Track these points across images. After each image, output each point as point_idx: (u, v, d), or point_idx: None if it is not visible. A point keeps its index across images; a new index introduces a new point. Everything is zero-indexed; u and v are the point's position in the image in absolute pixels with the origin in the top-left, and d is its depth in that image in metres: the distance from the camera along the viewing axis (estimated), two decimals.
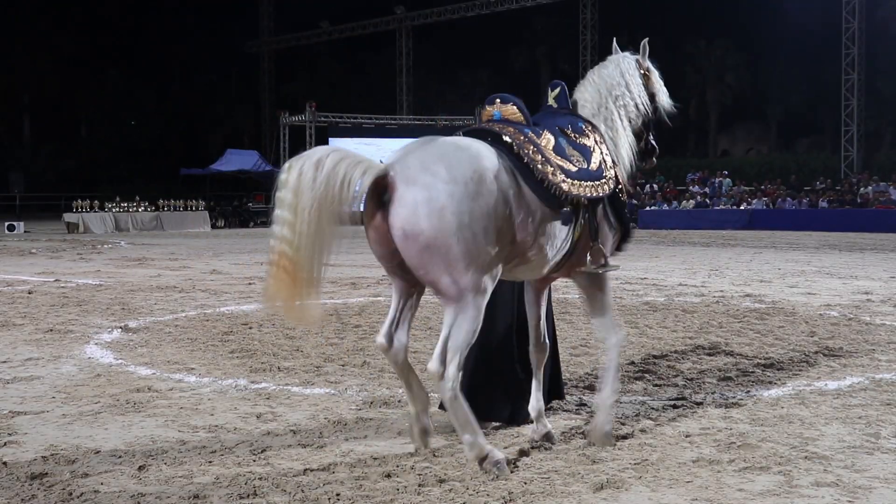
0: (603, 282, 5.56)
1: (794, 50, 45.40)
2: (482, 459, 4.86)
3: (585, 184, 5.26)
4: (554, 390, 6.16)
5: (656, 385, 7.14)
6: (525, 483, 4.75)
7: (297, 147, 44.15)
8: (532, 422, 5.65)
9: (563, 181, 5.13)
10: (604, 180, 5.39)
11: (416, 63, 53.54)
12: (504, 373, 5.90)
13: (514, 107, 5.40)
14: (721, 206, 37.34)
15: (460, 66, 55.45)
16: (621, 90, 5.86)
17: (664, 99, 6.10)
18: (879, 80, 42.21)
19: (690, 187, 39.72)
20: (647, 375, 7.44)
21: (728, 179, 39.57)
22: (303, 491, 4.64)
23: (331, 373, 7.65)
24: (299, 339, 9.28)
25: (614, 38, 6.25)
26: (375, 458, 5.20)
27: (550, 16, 51.92)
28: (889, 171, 36.86)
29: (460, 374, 4.78)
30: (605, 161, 5.49)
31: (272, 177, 34.25)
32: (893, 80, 43.61)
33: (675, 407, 6.40)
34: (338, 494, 4.59)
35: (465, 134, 5.27)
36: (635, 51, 6.07)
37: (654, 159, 6.19)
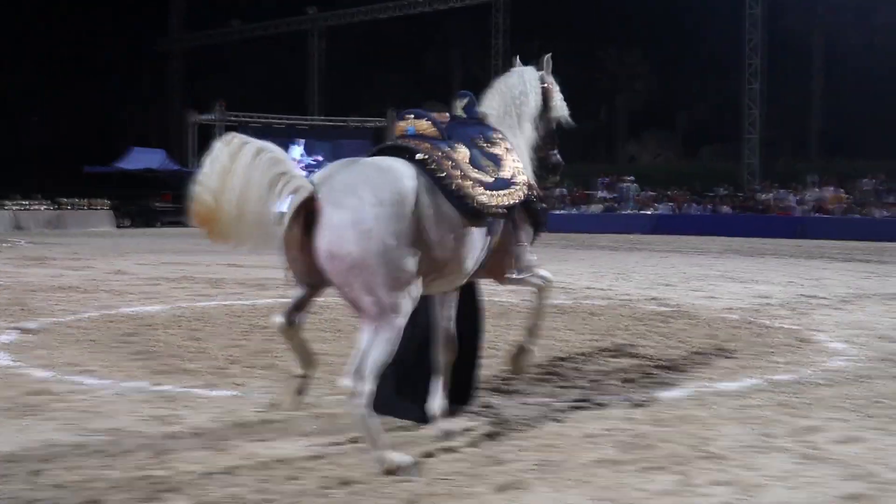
0: (535, 280, 5.80)
1: (700, 59, 46.42)
2: (393, 471, 4.88)
3: (502, 193, 5.40)
4: (462, 395, 6.20)
5: (561, 387, 7.22)
6: (429, 485, 4.76)
7: (207, 146, 43.54)
8: (435, 421, 5.71)
9: (482, 194, 5.25)
10: (517, 187, 5.54)
11: (328, 64, 53.26)
12: (416, 373, 5.95)
13: (428, 122, 5.50)
14: (628, 211, 37.96)
15: (373, 68, 55.31)
16: (524, 98, 6.01)
17: (564, 113, 6.25)
18: (780, 90, 43.38)
19: (599, 192, 40.29)
20: (552, 377, 7.52)
21: (635, 185, 40.25)
22: (204, 494, 4.58)
23: (236, 375, 7.56)
24: (204, 340, 9.15)
25: (517, 56, 6.39)
26: (279, 461, 5.16)
27: (463, 20, 52.16)
28: (788, 178, 37.92)
29: (373, 392, 4.79)
30: (517, 167, 5.62)
31: (179, 176, 33.53)
32: (793, 91, 44.89)
33: (578, 408, 6.48)
34: (240, 497, 4.54)
35: (382, 151, 5.37)
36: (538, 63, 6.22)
37: (557, 175, 6.38)
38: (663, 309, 11.97)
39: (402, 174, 4.98)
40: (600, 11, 47.04)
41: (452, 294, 5.74)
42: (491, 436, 5.71)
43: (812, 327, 10.36)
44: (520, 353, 5.97)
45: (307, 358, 5.18)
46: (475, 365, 6.34)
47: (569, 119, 6.28)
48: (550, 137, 6.19)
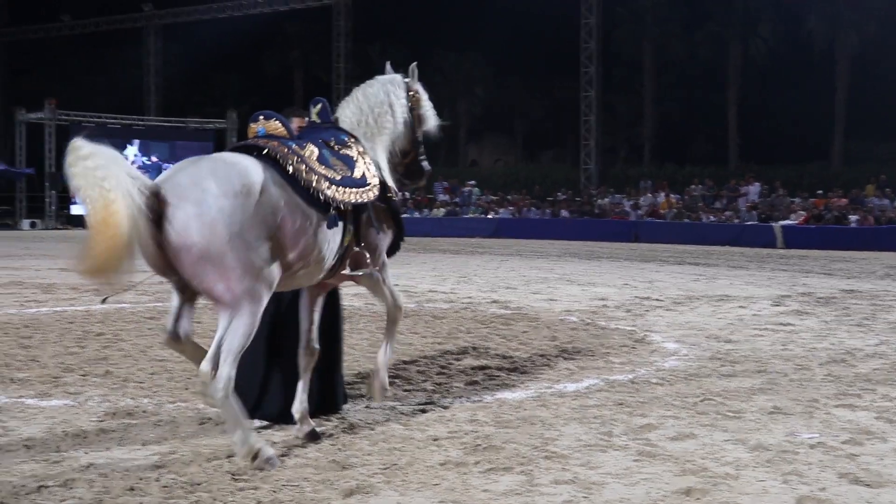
0: (385, 285, 5.95)
1: (538, 66, 47.43)
2: (254, 456, 4.99)
3: (350, 190, 5.56)
4: (329, 402, 6.34)
5: (406, 390, 7.25)
6: (274, 491, 4.70)
7: (37, 146, 41.90)
8: (296, 422, 5.77)
9: (328, 188, 5.40)
10: (368, 187, 5.69)
11: (164, 63, 51.91)
12: (276, 371, 6.07)
13: (278, 122, 5.66)
14: (469, 215, 38.43)
15: (211, 68, 54.18)
16: (384, 108, 6.14)
17: (431, 120, 6.42)
18: (615, 98, 44.79)
19: (440, 196, 40.64)
20: (396, 381, 7.53)
21: (476, 189, 40.79)
22: None
23: (70, 383, 7.28)
24: (35, 348, 8.78)
25: (388, 62, 6.54)
26: (118, 471, 5.00)
27: (304, 21, 51.73)
28: (623, 183, 39.16)
29: (233, 376, 4.88)
30: (368, 170, 5.77)
31: (7, 176, 31.90)
32: (627, 99, 46.42)
33: (423, 412, 6.52)
34: None
35: (232, 150, 5.49)
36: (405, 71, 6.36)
37: (423, 180, 6.56)
38: (505, 311, 12.17)
39: (247, 168, 5.08)
40: (441, 17, 47.49)
41: (318, 300, 5.90)
42: (336, 440, 5.68)
43: (647, 328, 10.72)
44: (372, 382, 6.13)
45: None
46: (340, 371, 6.49)
47: (435, 128, 6.46)
48: (415, 144, 6.32)
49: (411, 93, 6.30)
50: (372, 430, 5.97)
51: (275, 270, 5.07)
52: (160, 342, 5.26)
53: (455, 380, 7.70)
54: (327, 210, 5.40)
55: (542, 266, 20.72)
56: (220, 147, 42.49)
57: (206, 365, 4.89)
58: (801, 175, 37.88)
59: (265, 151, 5.31)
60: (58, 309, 11.75)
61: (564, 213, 37.07)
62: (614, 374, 7.98)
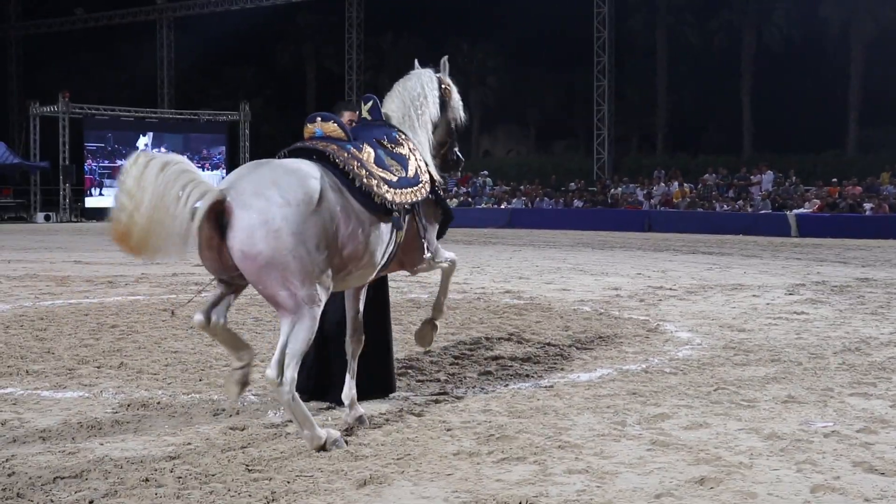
0: (445, 263, 6.27)
1: (551, 56, 47.29)
2: (323, 447, 5.25)
3: (406, 191, 5.77)
4: (386, 383, 6.68)
5: (419, 381, 7.26)
6: (288, 482, 4.72)
7: (50, 139, 42.03)
8: (346, 407, 5.99)
9: (388, 191, 5.59)
10: (421, 185, 5.92)
11: (177, 56, 51.97)
12: (338, 360, 6.25)
13: (335, 124, 5.80)
14: (482, 206, 38.40)
15: (224, 60, 54.22)
16: (422, 101, 6.36)
17: (459, 113, 6.67)
18: (628, 87, 44.64)
19: (453, 186, 40.62)
20: (410, 371, 7.55)
21: (489, 179, 40.75)
22: (52, 500, 4.42)
23: (85, 375, 7.32)
24: (50, 340, 8.83)
25: (416, 59, 6.69)
26: (132, 462, 5.03)
27: (316, 13, 51.68)
28: (636, 173, 39.05)
29: (295, 377, 5.08)
30: (420, 167, 5.99)
31: (21, 169, 31.98)
32: (640, 89, 46.25)
33: (437, 402, 6.53)
34: (91, 502, 4.40)
35: (290, 153, 5.64)
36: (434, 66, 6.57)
37: (458, 169, 6.92)
38: (518, 302, 12.17)
39: (307, 174, 5.22)
40: (453, 7, 47.37)
41: (363, 289, 6.07)
42: (350, 431, 5.70)
43: (660, 317, 10.71)
44: (425, 327, 6.47)
45: (239, 348, 5.33)
46: (390, 355, 6.79)
47: (464, 119, 6.70)
48: (450, 136, 6.61)
49: (444, 86, 6.53)
50: (385, 420, 5.99)
51: (331, 274, 5.25)
52: (192, 325, 5.37)
53: (468, 370, 7.71)
54: (386, 213, 5.59)
55: (555, 256, 20.70)
56: (232, 138, 42.64)
57: (271, 371, 5.03)
58: (816, 163, 37.69)
59: (326, 155, 5.48)
60: (72, 301, 11.80)
61: (577, 203, 37.01)
62: (627, 363, 7.97)
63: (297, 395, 5.14)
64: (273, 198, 5.00)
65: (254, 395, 6.63)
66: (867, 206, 30.26)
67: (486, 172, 41.40)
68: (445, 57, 6.63)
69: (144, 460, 5.08)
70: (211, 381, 7.15)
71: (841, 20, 40.97)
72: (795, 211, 30.74)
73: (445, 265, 6.30)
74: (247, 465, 4.98)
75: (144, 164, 4.79)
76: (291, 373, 5.05)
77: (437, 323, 6.50)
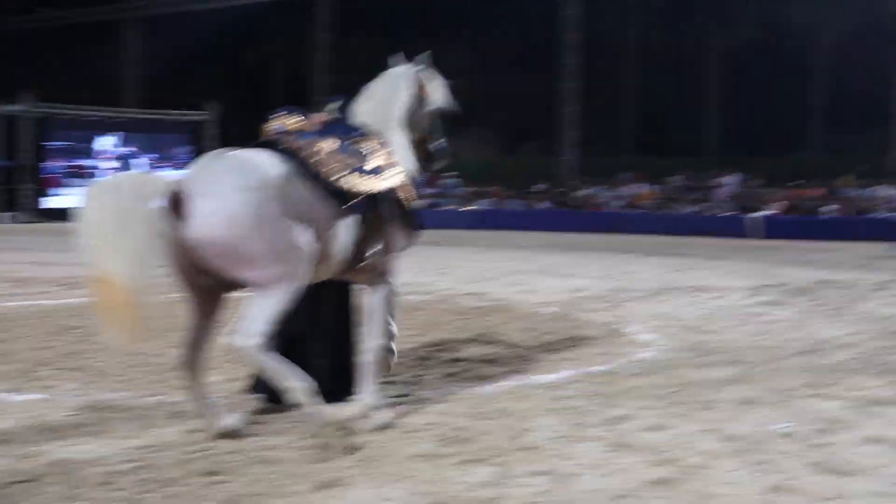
0: (386, 292, 6.19)
1: (519, 57, 47.39)
2: (300, 403, 5.22)
3: (369, 180, 5.75)
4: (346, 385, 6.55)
5: (382, 382, 7.24)
6: (248, 484, 4.71)
7: (13, 138, 41.54)
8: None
9: (349, 175, 5.61)
10: (385, 178, 5.89)
11: (144, 55, 51.56)
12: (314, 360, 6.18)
13: (298, 117, 5.87)
14: (449, 207, 38.41)
15: (191, 60, 53.87)
16: (393, 99, 6.38)
17: (442, 101, 6.67)
18: (595, 89, 44.81)
19: (420, 188, 40.57)
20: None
21: (456, 180, 40.78)
22: None
23: (44, 377, 7.25)
24: (9, 342, 8.73)
25: (390, 58, 6.67)
26: (91, 465, 4.99)
27: (284, 14, 51.48)
28: (603, 174, 39.21)
29: (266, 333, 5.06)
30: (387, 162, 5.97)
31: None
32: (607, 91, 46.43)
33: (399, 403, 6.53)
34: None
35: (251, 146, 5.66)
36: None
37: (444, 161, 6.92)
38: (483, 303, 12.18)
39: (265, 162, 5.31)
40: (423, 8, 47.38)
41: (327, 290, 6.08)
42: (311, 432, 5.68)
43: (624, 319, 10.76)
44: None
45: (202, 401, 5.43)
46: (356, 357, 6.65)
47: (451, 104, 6.72)
48: (432, 129, 6.62)
49: (420, 81, 6.53)
50: (346, 421, 5.97)
51: (306, 250, 5.25)
52: (172, 365, 5.50)
53: (431, 372, 7.72)
54: (346, 200, 5.58)
55: (521, 257, 20.74)
56: (198, 139, 42.35)
57: (238, 339, 5.05)
58: (779, 165, 38.03)
59: (287, 145, 5.55)
60: (31, 302, 11.69)
61: (544, 204, 37.10)
62: (590, 365, 8.01)
63: (268, 356, 5.11)
64: (230, 183, 5.08)
65: (216, 398, 6.59)
66: (829, 208, 30.57)
67: (453, 173, 41.41)
68: (427, 52, 6.66)
69: (103, 463, 5.04)
70: (173, 383, 7.10)
71: (806, 23, 41.36)
72: (759, 213, 31.00)
73: (387, 288, 6.20)
74: (207, 469, 4.96)
75: (97, 201, 4.85)
76: (260, 339, 5.03)
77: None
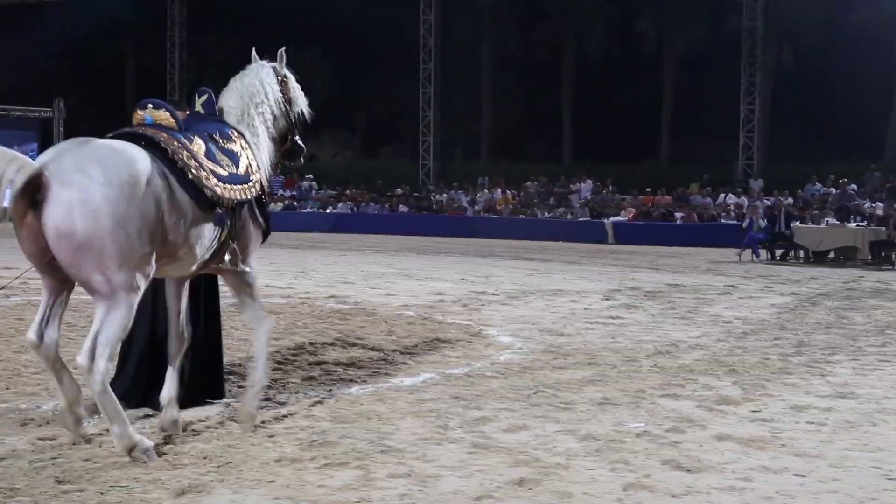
0: (250, 279, 6.01)
1: (378, 61, 47.40)
2: (131, 449, 4.99)
3: (236, 187, 5.66)
4: (216, 388, 6.58)
5: (240, 387, 7.11)
6: (101, 493, 4.56)
7: None
8: (163, 408, 5.80)
9: (216, 185, 5.48)
10: (251, 184, 5.82)
11: None
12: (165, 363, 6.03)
13: (166, 112, 5.66)
14: (308, 210, 38.09)
15: (39, 55, 51.91)
16: (261, 98, 6.28)
17: (302, 103, 6.61)
18: (453, 94, 45.19)
19: (278, 189, 40.13)
20: (231, 377, 7.39)
21: (315, 183, 40.48)
22: None
23: None
24: None
25: (253, 48, 6.61)
26: None
27: (136, 9, 50.15)
28: (461, 179, 39.58)
29: (110, 367, 4.93)
30: (251, 165, 5.90)
31: None
32: (465, 96, 46.88)
33: (259, 408, 6.42)
34: None
35: (117, 137, 5.42)
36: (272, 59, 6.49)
37: (301, 158, 6.80)
38: (343, 306, 12.13)
39: (135, 158, 5.08)
40: (278, 9, 46.86)
41: (184, 288, 5.89)
42: (167, 438, 5.55)
43: (483, 322, 10.89)
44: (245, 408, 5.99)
45: (65, 386, 5.16)
46: (220, 360, 6.73)
47: (307, 109, 6.65)
48: (290, 128, 6.50)
49: (280, 77, 6.44)
50: (206, 426, 5.86)
51: (152, 262, 5.07)
52: (22, 342, 5.26)
53: (291, 375, 7.64)
54: (211, 206, 5.45)
55: (381, 261, 20.75)
56: (45, 136, 40.81)
57: (82, 358, 4.83)
58: (631, 173, 39.14)
59: (156, 142, 5.33)
60: None
61: (403, 208, 37.21)
62: (450, 367, 8.08)
63: (108, 387, 4.94)
64: (95, 175, 4.85)
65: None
66: (678, 214, 31.64)
67: (311, 176, 41.06)
68: (282, 49, 6.57)
69: None
70: (19, 389, 6.82)
71: (655, 37, 42.70)
72: (612, 219, 31.83)
73: (252, 295, 6.08)
74: (56, 478, 4.78)
75: None
76: (104, 363, 4.86)
77: (254, 410, 5.96)
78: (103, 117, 50.18)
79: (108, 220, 4.79)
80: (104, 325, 4.88)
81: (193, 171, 5.36)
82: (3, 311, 10.59)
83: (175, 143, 5.42)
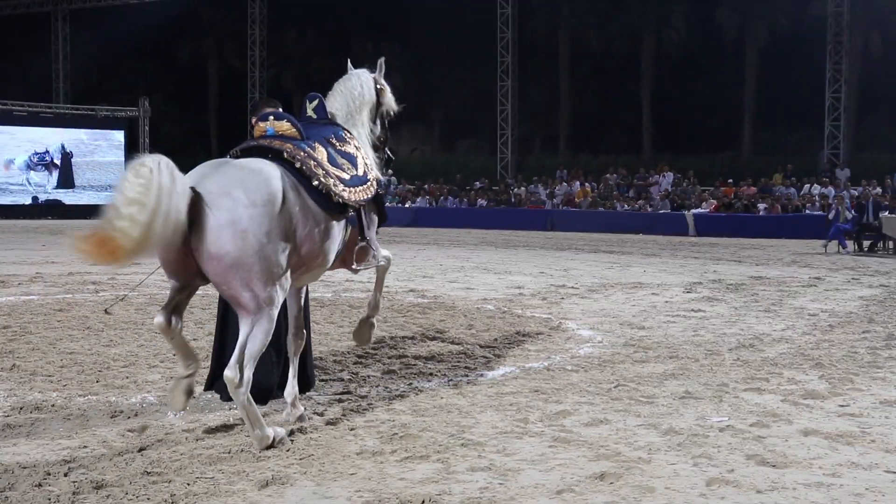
0: (374, 246, 6.24)
1: (456, 55, 47.46)
2: (271, 446, 5.24)
3: (359, 189, 5.88)
4: (303, 381, 6.57)
5: (323, 380, 7.22)
6: (188, 484, 4.65)
7: None
8: (288, 405, 6.00)
9: (344, 190, 5.69)
10: (370, 182, 6.04)
11: (74, 49, 50.65)
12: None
13: (288, 123, 5.85)
14: (387, 204, 38.24)
15: (123, 55, 53.05)
16: (364, 100, 6.51)
17: (393, 112, 6.85)
18: (531, 87, 45.04)
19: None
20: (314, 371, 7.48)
21: (394, 178, 40.71)
22: None
23: None
24: None
25: (348, 60, 6.88)
26: (25, 467, 4.88)
27: (218, 8, 50.95)
28: (539, 172, 39.44)
29: (251, 379, 5.13)
30: (367, 164, 6.13)
31: None
32: (543, 89, 46.70)
33: (340, 401, 6.50)
34: None
35: (244, 152, 5.67)
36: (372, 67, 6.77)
37: (390, 169, 7.13)
38: (422, 300, 12.18)
39: (270, 175, 5.27)
40: (356, 5, 47.19)
41: (303, 288, 6.17)
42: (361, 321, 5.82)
43: (562, 316, 10.84)
44: (363, 325, 6.60)
45: (188, 357, 5.36)
46: (310, 353, 6.83)
47: (396, 108, 6.85)
48: (385, 134, 6.75)
49: (378, 86, 6.66)
50: (288, 419, 5.93)
51: (289, 275, 5.30)
52: (152, 324, 5.55)
53: (372, 369, 7.69)
54: (341, 211, 5.68)
55: (459, 255, 20.78)
56: (131, 135, 41.65)
57: (231, 372, 5.05)
58: (712, 164, 38.61)
59: (282, 154, 5.53)
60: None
61: (481, 202, 37.20)
62: (530, 361, 8.05)
63: (251, 397, 5.17)
64: (240, 198, 5.03)
65: (153, 396, 6.52)
66: (761, 206, 31.09)
67: (390, 171, 41.32)
68: (382, 59, 6.82)
69: (37, 465, 4.93)
70: (108, 382, 6.99)
71: (736, 26, 42.01)
72: (693, 211, 31.41)
73: (383, 263, 6.39)
74: (145, 469, 4.89)
75: (155, 171, 4.74)
76: (248, 373, 5.09)
77: (374, 321, 6.63)
78: (186, 115, 51.21)
79: (255, 240, 5.02)
80: (250, 339, 5.11)
81: (322, 179, 5.56)
82: (93, 306, 10.86)
83: (301, 153, 5.62)
